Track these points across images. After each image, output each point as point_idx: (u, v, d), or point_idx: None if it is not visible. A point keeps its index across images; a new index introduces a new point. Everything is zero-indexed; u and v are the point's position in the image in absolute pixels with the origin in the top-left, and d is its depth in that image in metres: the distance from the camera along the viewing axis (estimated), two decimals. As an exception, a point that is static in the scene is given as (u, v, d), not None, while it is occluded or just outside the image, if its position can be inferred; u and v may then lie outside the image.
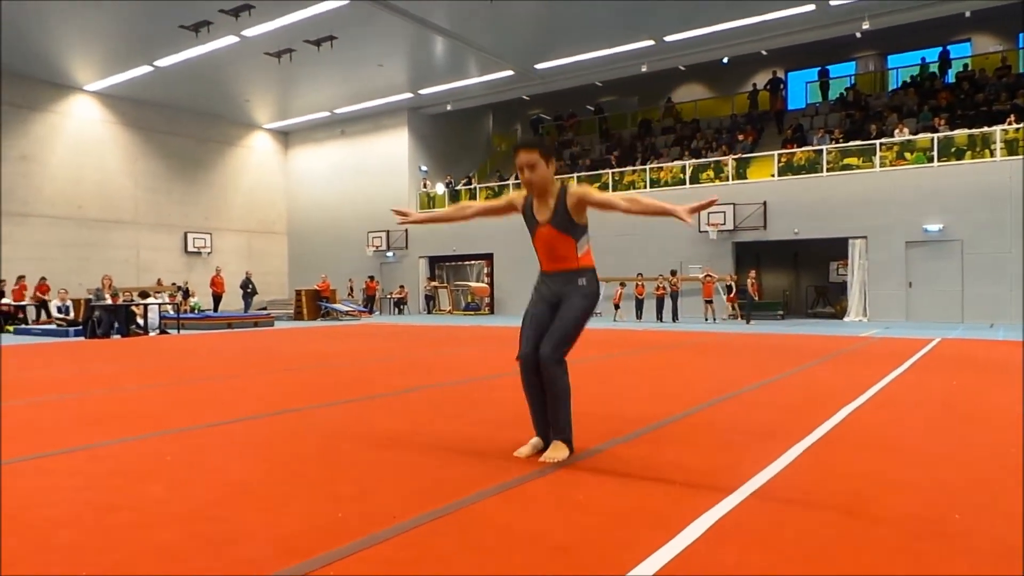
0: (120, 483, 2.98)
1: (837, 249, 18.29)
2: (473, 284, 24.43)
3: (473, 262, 24.91)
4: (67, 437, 4.01)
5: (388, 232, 25.40)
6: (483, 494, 2.71)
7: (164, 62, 19.54)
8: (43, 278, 18.72)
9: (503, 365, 7.70)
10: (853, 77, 22.84)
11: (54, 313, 16.97)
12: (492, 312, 23.24)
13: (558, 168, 24.01)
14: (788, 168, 18.85)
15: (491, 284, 23.61)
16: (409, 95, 23.84)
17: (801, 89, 23.92)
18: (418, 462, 3.30)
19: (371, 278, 24.74)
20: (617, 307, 18.74)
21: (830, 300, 20.38)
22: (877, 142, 17.69)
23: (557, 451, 3.28)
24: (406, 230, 25.21)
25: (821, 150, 18.39)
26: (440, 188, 25.44)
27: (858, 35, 18.70)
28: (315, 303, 21.98)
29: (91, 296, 14.79)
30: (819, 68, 22.94)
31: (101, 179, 22.47)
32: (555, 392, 3.26)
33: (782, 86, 22.90)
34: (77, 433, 4.14)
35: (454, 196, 25.03)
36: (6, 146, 20.20)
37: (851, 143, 18.37)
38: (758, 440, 3.74)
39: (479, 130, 28.68)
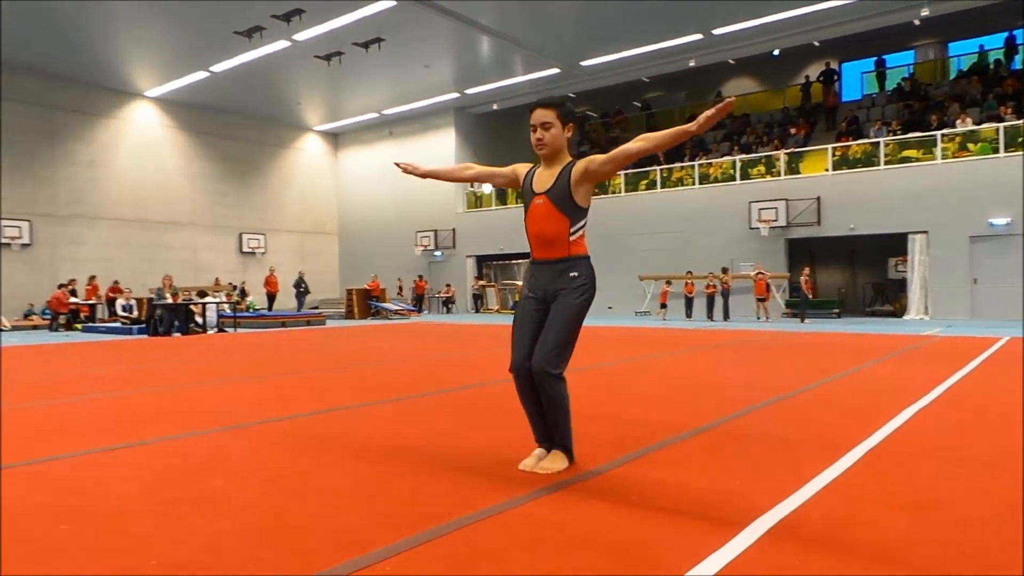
0: (184, 477, 3.09)
1: (896, 245, 17.69)
2: (521, 283, 24.45)
3: (521, 261, 24.94)
4: (134, 431, 4.18)
5: (436, 232, 25.63)
6: (536, 494, 2.72)
7: (219, 67, 20.11)
8: (116, 281, 19.48)
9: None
10: (912, 66, 22.04)
11: (119, 312, 17.66)
12: (539, 310, 23.20)
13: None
14: (843, 162, 18.31)
15: (538, 282, 23.56)
16: (455, 95, 24.00)
17: (856, 80, 23.20)
18: (469, 460, 3.33)
19: (420, 277, 25.04)
20: (664, 306, 18.52)
21: (889, 298, 19.73)
22: (938, 133, 17.04)
23: (555, 461, 3.05)
24: (453, 230, 25.39)
25: (878, 142, 17.80)
26: (487, 188, 25.54)
27: (917, 22, 18.03)
28: (365, 302, 22.33)
29: (153, 295, 15.36)
30: (875, 58, 22.23)
31: (161, 182, 23.28)
32: (552, 403, 2.98)
33: (836, 77, 22.25)
34: (143, 428, 4.31)
35: (500, 196, 25.10)
36: (77, 151, 21.11)
37: (910, 135, 17.74)
38: (817, 440, 3.66)
39: (525, 129, 28.35)
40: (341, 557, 2.08)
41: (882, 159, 17.59)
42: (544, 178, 3.06)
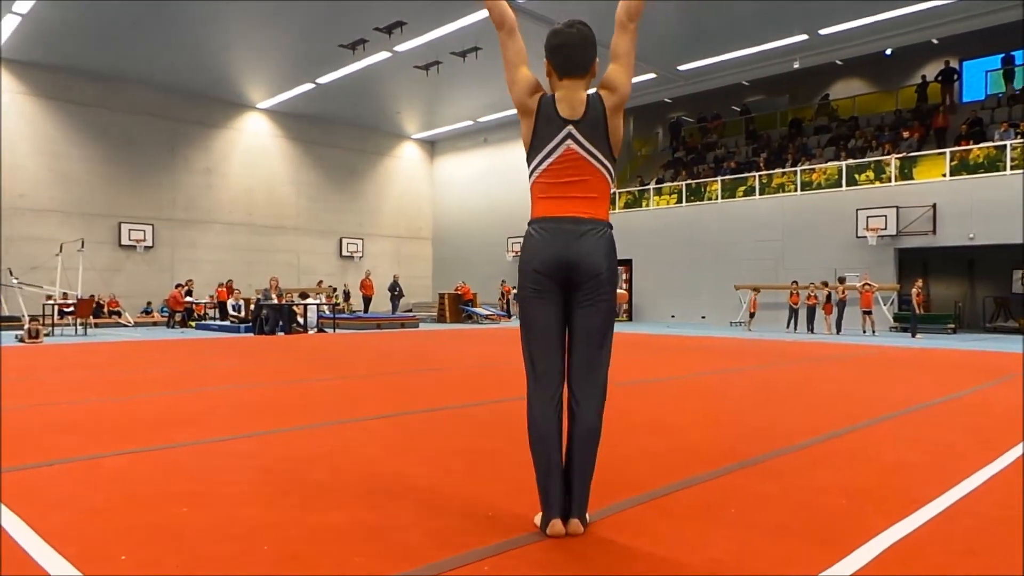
0: (289, 468, 3.24)
1: (1022, 256, 16.33)
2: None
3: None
4: (245, 423, 4.42)
5: (527, 237, 25.76)
6: (632, 501, 2.68)
7: (324, 79, 21.04)
8: (234, 286, 20.17)
9: (641, 372, 7.57)
10: (1045, 63, 20.32)
11: (230, 311, 18.74)
12: (630, 319, 22.93)
13: (701, 172, 23.15)
14: (963, 167, 17.09)
15: (630, 290, 23.31)
16: (549, 101, 24.07)
17: (979, 79, 21.60)
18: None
19: (503, 282, 25.22)
20: (753, 315, 17.87)
21: (1013, 313, 18.25)
22: (1074, 135, 15.63)
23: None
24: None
25: (1004, 145, 16.51)
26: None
27: (1051, 15, 16.62)
28: (457, 306, 22.72)
29: (259, 296, 16.21)
30: (1002, 55, 20.63)
31: (268, 188, 24.58)
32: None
33: (956, 77, 20.80)
34: (252, 421, 4.55)
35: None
36: (194, 159, 22.63)
37: (1041, 137, 16.35)
38: (933, 461, 3.42)
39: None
40: (440, 555, 2.12)
41: (1008, 163, 16.30)
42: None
